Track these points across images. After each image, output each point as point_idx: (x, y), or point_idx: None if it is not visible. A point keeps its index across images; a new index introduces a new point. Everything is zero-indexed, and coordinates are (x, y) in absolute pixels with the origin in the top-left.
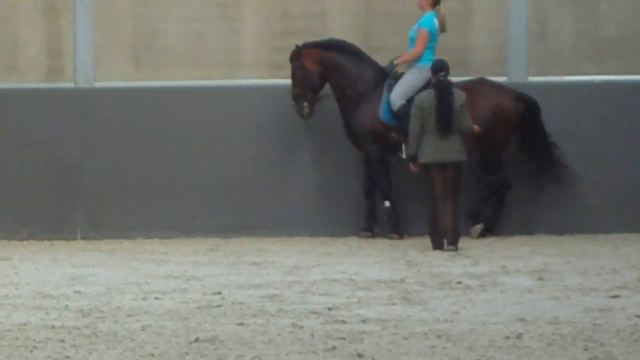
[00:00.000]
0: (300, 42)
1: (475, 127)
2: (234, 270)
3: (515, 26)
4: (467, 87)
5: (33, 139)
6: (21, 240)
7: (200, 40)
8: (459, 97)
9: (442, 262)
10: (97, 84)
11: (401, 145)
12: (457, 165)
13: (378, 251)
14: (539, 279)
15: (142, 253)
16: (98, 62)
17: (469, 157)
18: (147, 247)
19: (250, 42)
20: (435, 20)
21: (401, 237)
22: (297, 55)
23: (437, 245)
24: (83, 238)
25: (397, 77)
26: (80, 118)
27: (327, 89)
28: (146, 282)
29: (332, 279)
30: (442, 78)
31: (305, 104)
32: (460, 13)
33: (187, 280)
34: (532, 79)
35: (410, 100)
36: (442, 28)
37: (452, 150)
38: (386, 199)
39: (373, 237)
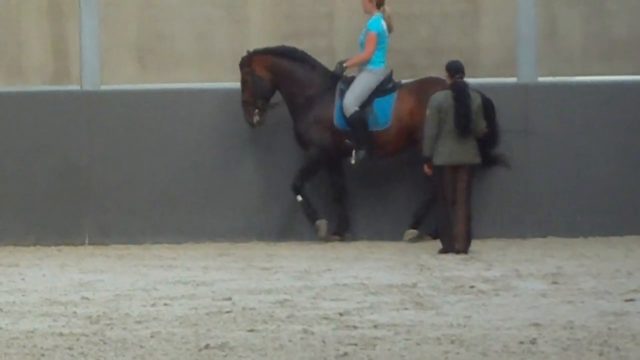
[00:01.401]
0: (305, 44)
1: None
2: (243, 275)
3: (525, 26)
4: (418, 86)
5: (39, 142)
6: (28, 246)
7: (207, 42)
8: (475, 99)
9: (454, 266)
10: (103, 87)
11: (352, 151)
12: (471, 168)
13: (389, 255)
14: (553, 282)
15: (150, 258)
16: (104, 64)
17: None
18: (155, 253)
19: (257, 43)
20: (383, 22)
21: (326, 221)
22: (248, 62)
23: (447, 249)
24: (91, 243)
25: (349, 82)
26: (86, 121)
27: (276, 97)
28: (155, 288)
29: (343, 283)
30: (459, 80)
31: (256, 111)
32: (469, 13)
33: (197, 285)
34: (542, 79)
35: (362, 107)
36: (390, 28)
37: (468, 152)
38: (297, 194)
39: (342, 240)
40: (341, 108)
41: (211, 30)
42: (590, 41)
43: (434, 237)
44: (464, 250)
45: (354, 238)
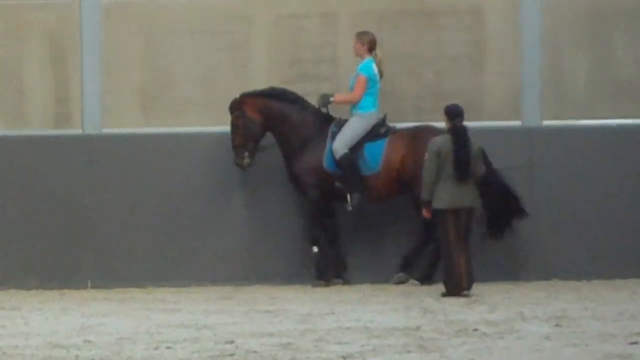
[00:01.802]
0: (309, 88)
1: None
2: (246, 318)
3: (529, 70)
4: (412, 134)
5: (41, 186)
6: (30, 289)
7: (210, 86)
8: (474, 143)
9: (458, 309)
10: (105, 131)
11: (346, 195)
12: (471, 211)
13: (392, 298)
14: (557, 325)
15: (153, 302)
16: (105, 108)
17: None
18: (157, 296)
19: (262, 87)
20: (374, 66)
21: (327, 284)
22: (239, 105)
23: (452, 292)
24: (93, 287)
25: (341, 125)
26: (88, 165)
27: (267, 139)
28: (157, 332)
29: (346, 327)
30: (458, 124)
31: (246, 153)
32: (474, 57)
33: (199, 329)
34: (547, 122)
35: (352, 149)
36: (381, 73)
37: (468, 196)
38: (314, 245)
39: (344, 283)
40: (331, 151)
41: (215, 75)
42: (596, 85)
43: (421, 282)
44: (468, 287)
45: (349, 281)
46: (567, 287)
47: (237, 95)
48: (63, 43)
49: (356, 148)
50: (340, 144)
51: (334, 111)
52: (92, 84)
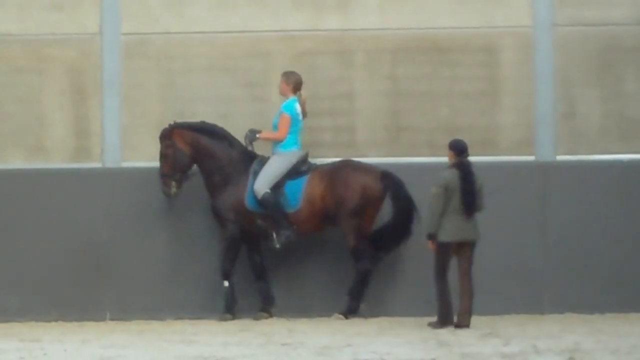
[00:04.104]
0: (326, 123)
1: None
2: (264, 351)
3: (543, 106)
4: (332, 170)
5: (61, 219)
6: (50, 321)
7: (227, 120)
8: (478, 178)
9: (472, 342)
10: (125, 164)
11: (271, 234)
12: (474, 244)
13: (408, 331)
14: (571, 358)
15: (171, 334)
16: (125, 142)
17: None
18: (176, 328)
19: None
20: (297, 106)
21: (233, 317)
22: (169, 135)
23: (444, 324)
24: (112, 319)
25: (263, 163)
26: (107, 198)
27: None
28: None
29: (363, 359)
30: (464, 159)
31: (173, 182)
32: (488, 93)
33: None
34: (560, 158)
35: (274, 188)
36: (304, 113)
37: (473, 229)
38: (225, 279)
39: (270, 317)
40: (253, 189)
41: (232, 110)
42: (608, 120)
43: (346, 317)
44: (468, 324)
45: (281, 314)
46: (580, 320)
47: (168, 125)
48: (84, 78)
49: (277, 186)
50: (261, 183)
51: (260, 147)
52: (112, 118)
